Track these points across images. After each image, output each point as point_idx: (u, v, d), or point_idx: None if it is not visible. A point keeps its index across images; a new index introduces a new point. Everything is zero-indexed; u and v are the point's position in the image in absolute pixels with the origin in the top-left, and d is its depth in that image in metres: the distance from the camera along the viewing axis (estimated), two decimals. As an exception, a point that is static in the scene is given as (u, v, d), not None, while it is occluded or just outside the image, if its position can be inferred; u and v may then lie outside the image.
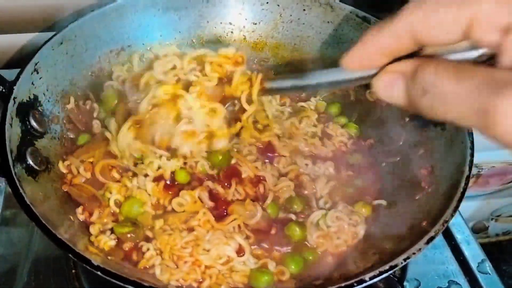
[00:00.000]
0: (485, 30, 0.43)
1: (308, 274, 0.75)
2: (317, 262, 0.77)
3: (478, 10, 0.43)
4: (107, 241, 0.74)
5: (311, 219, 0.81)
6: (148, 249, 0.74)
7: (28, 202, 0.64)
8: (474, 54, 0.47)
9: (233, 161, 0.85)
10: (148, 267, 0.73)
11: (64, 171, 0.80)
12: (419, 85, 0.45)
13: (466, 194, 0.69)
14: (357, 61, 0.52)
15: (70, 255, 0.59)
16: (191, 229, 0.77)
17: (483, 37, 0.44)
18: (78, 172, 0.80)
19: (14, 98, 0.75)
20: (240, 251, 0.76)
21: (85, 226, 0.76)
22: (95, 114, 0.90)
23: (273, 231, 0.79)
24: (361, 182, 0.87)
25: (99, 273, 0.58)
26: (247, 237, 0.78)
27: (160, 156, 0.80)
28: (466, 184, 0.69)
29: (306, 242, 0.79)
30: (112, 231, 0.76)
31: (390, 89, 0.49)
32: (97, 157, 0.82)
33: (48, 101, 0.83)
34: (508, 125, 0.38)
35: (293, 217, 0.81)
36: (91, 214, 0.77)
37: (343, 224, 0.79)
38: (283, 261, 0.76)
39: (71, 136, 0.86)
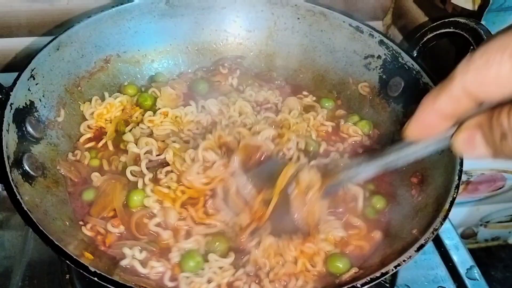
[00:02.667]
0: None
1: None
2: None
3: None
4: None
5: None
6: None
7: (25, 208, 0.65)
8: None
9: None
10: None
11: (91, 234, 0.75)
12: (497, 132, 0.46)
13: (456, 200, 0.71)
14: (421, 130, 0.52)
15: (67, 261, 0.60)
16: None
17: None
18: (107, 231, 0.76)
19: (11, 104, 0.76)
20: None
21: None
22: (85, 162, 0.85)
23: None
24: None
25: (95, 279, 0.59)
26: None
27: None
28: (456, 192, 0.71)
29: None
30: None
31: (470, 145, 0.49)
32: (119, 209, 0.78)
33: (44, 107, 0.84)
34: None
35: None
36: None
37: None
38: None
39: (74, 194, 0.81)
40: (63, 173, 0.82)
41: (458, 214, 1.43)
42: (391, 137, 0.92)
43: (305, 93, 1.02)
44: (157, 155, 0.84)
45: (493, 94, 0.46)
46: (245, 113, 0.92)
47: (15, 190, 0.67)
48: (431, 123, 0.51)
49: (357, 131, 0.94)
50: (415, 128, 0.52)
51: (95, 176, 0.82)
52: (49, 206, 0.74)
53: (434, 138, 0.53)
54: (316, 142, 0.91)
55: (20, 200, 0.66)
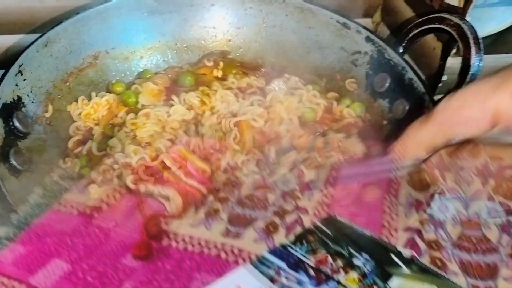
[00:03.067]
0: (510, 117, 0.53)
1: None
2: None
3: (499, 102, 0.52)
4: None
5: None
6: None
7: (10, 201, 0.65)
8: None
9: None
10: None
11: None
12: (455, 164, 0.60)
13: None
14: (402, 153, 0.62)
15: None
16: None
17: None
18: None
19: (-2, 99, 0.76)
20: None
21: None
22: (76, 169, 0.81)
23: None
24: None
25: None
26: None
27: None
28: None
29: None
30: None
31: (438, 170, 0.61)
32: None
33: (32, 102, 0.84)
34: None
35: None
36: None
37: None
38: None
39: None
40: (56, 181, 0.80)
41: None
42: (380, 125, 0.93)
43: (286, 75, 1.00)
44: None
45: (464, 133, 0.56)
46: (227, 101, 0.91)
47: (0, 184, 0.67)
48: (411, 149, 0.61)
49: (350, 113, 0.93)
50: (398, 150, 0.62)
51: (93, 188, 0.76)
52: (36, 199, 0.74)
53: (411, 160, 0.63)
54: (311, 109, 0.91)
55: (6, 193, 0.67)
